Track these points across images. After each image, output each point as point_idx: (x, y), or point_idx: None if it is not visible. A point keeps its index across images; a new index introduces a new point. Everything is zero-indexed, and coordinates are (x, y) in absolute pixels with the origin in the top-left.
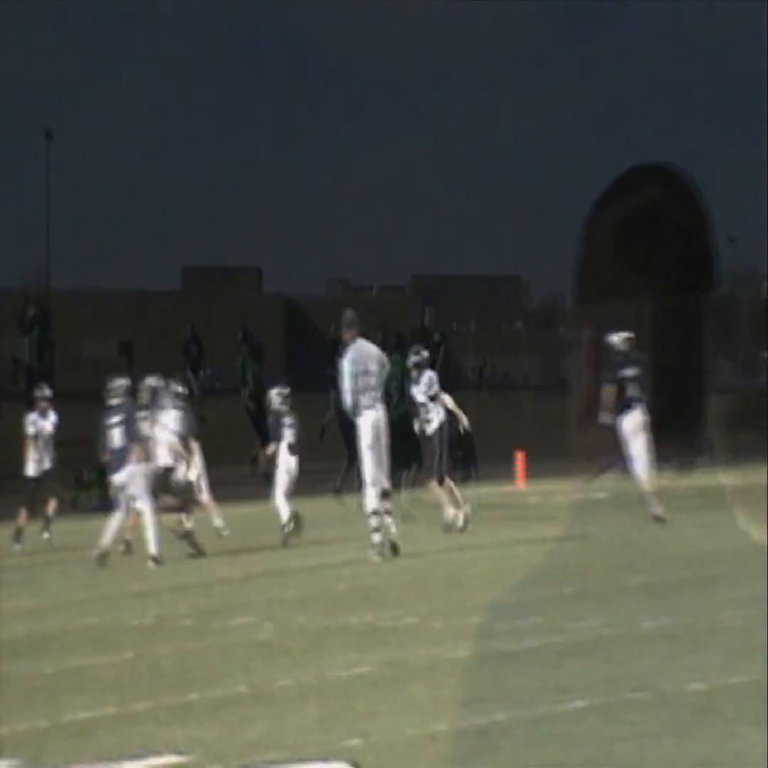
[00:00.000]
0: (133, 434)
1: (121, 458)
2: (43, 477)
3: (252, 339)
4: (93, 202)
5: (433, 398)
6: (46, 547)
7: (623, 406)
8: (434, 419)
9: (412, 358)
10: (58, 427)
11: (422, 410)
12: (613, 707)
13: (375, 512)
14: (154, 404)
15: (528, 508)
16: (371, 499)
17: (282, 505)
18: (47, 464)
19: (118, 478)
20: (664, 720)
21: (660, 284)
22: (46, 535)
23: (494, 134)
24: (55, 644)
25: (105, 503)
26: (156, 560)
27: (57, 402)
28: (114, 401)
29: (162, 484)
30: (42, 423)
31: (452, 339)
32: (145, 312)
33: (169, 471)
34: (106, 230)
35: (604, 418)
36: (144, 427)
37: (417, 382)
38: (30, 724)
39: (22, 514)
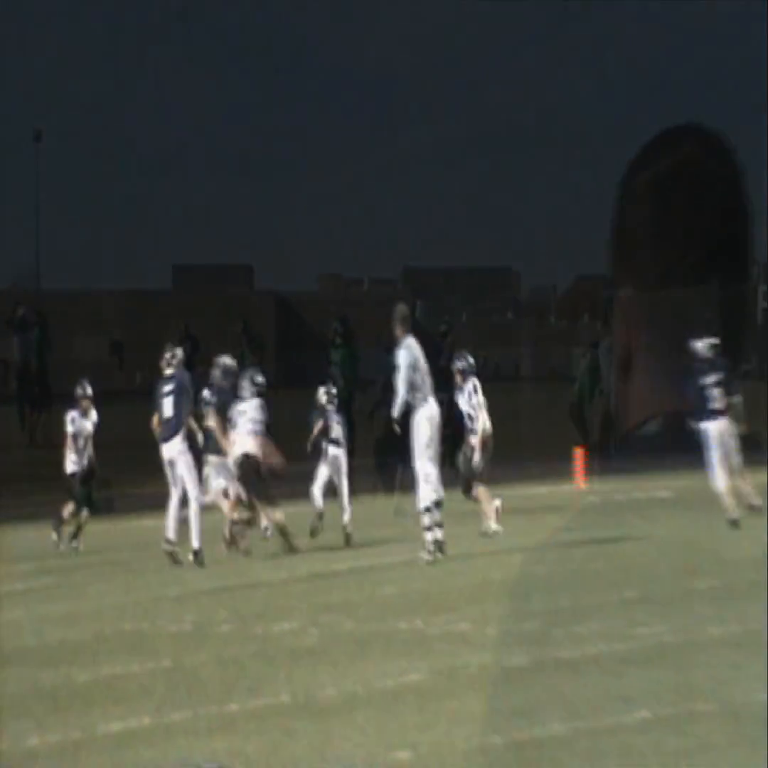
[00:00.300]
0: (185, 405)
1: (171, 428)
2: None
3: (251, 332)
4: (82, 201)
5: (475, 407)
6: (71, 552)
7: (708, 412)
8: (479, 429)
9: (458, 364)
10: (52, 428)
11: (465, 417)
12: (679, 718)
13: (427, 510)
14: (222, 386)
15: (587, 508)
16: (425, 496)
17: (316, 499)
18: (83, 466)
19: (166, 449)
20: (732, 732)
21: (698, 237)
22: (75, 544)
23: (485, 126)
24: (88, 652)
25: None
26: (197, 555)
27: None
28: (168, 371)
29: (242, 472)
30: (82, 422)
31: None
32: (135, 311)
33: (249, 458)
34: (96, 230)
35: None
36: (208, 412)
37: (460, 389)
38: (62, 736)
39: (67, 509)
